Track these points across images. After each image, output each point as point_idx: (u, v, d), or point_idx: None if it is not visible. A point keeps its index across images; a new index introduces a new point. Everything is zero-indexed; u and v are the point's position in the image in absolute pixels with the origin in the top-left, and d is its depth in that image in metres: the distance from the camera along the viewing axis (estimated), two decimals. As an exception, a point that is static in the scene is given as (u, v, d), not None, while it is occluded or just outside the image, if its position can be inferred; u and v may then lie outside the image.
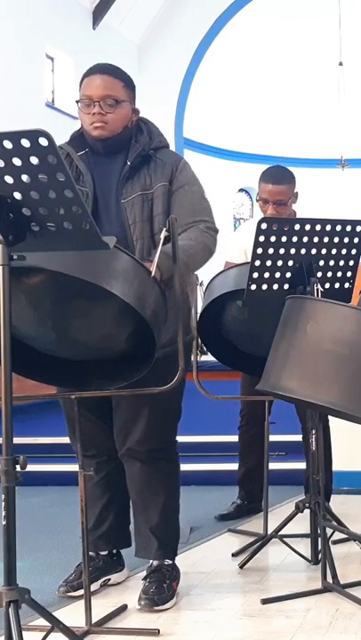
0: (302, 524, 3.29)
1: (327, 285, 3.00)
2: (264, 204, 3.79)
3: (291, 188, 3.79)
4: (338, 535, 3.30)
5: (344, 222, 2.98)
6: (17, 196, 2.01)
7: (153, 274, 2.42)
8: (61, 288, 2.34)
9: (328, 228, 2.94)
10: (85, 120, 2.83)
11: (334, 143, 15.91)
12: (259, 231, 2.85)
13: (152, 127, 2.93)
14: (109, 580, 3.05)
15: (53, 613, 2.30)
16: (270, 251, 2.87)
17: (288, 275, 2.92)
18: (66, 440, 3.06)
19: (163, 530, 2.91)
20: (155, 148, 2.86)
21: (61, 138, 2.74)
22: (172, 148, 3.02)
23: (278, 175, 3.80)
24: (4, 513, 2.06)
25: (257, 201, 3.87)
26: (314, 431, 3.11)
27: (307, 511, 3.16)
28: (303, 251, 2.92)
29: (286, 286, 2.93)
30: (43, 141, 1.91)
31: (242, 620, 2.73)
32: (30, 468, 2.09)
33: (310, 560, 3.20)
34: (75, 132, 2.92)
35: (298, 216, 3.84)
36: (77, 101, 2.83)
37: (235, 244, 4.04)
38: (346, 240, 3.00)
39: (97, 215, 2.76)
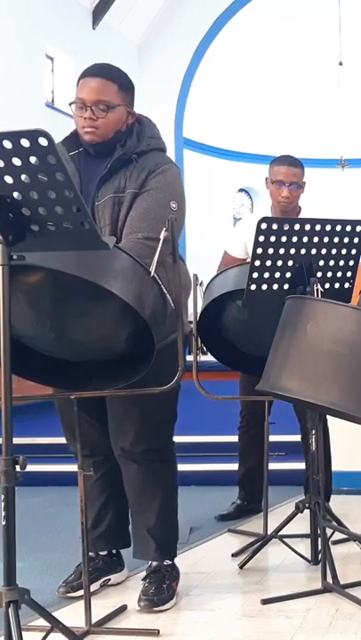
0: (302, 524, 3.29)
1: (327, 285, 3.00)
2: (278, 188, 3.83)
3: (303, 174, 3.90)
4: (338, 535, 3.30)
5: (344, 222, 2.98)
6: (17, 195, 2.01)
7: (152, 273, 2.42)
8: (60, 287, 2.34)
9: (328, 228, 2.94)
10: (78, 123, 2.80)
11: (334, 143, 15.91)
12: (259, 231, 2.85)
13: (146, 129, 2.87)
14: (109, 580, 3.05)
15: (53, 613, 2.30)
16: (270, 251, 2.87)
17: (288, 275, 2.92)
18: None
19: (160, 531, 2.91)
20: (139, 152, 2.80)
21: (61, 138, 2.74)
22: (172, 148, 2.99)
23: (292, 159, 3.92)
24: (3, 513, 2.06)
25: (267, 187, 3.91)
26: (313, 431, 3.11)
27: (307, 511, 3.16)
28: (303, 251, 2.92)
29: (286, 286, 2.92)
30: (42, 141, 1.91)
31: (242, 620, 2.73)
32: (30, 468, 2.09)
33: (310, 560, 3.20)
34: (71, 131, 2.91)
35: (302, 212, 3.87)
36: (71, 104, 2.79)
37: (235, 237, 4.08)
38: (346, 240, 3.00)
39: None
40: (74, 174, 2.78)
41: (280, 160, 3.92)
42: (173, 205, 2.76)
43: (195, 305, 3.24)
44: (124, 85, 2.82)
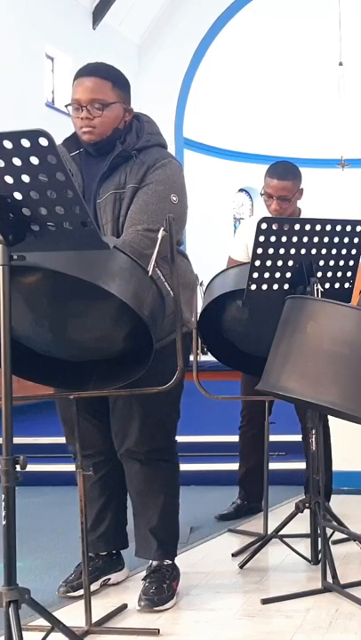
0: (302, 524, 3.29)
1: (327, 285, 3.00)
2: (268, 199, 3.79)
3: (296, 185, 3.79)
4: (338, 535, 3.30)
5: (344, 222, 2.98)
6: (17, 196, 2.01)
7: (150, 273, 2.42)
8: (58, 288, 2.34)
9: (328, 227, 2.94)
10: (76, 124, 2.81)
11: (334, 143, 15.90)
12: (259, 231, 2.85)
13: (145, 125, 2.87)
14: (109, 579, 3.05)
15: (53, 613, 2.31)
16: (270, 251, 2.87)
17: (288, 275, 2.92)
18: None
19: (162, 530, 2.91)
20: (139, 148, 2.80)
21: (61, 138, 2.75)
22: (172, 148, 2.98)
23: (284, 170, 3.81)
24: (3, 513, 2.06)
25: (261, 195, 3.87)
26: (314, 431, 3.12)
27: (307, 511, 3.16)
28: (303, 251, 2.92)
29: (286, 286, 2.93)
30: (43, 141, 1.91)
31: (242, 619, 2.73)
32: (30, 468, 2.09)
33: (310, 560, 3.20)
34: (72, 132, 2.91)
35: (302, 214, 3.85)
36: (67, 105, 2.79)
37: (236, 241, 4.07)
38: (346, 240, 3.00)
39: None
40: (76, 174, 2.79)
41: (272, 170, 3.80)
42: (174, 198, 2.76)
43: (195, 305, 3.24)
44: (119, 82, 2.81)
